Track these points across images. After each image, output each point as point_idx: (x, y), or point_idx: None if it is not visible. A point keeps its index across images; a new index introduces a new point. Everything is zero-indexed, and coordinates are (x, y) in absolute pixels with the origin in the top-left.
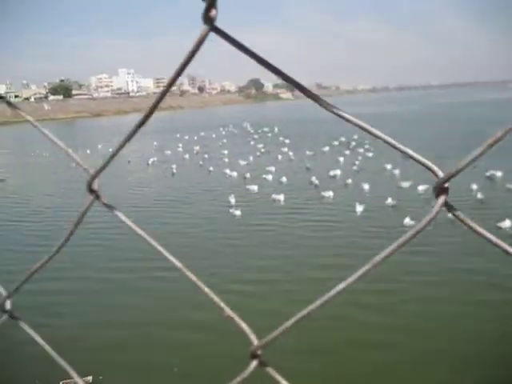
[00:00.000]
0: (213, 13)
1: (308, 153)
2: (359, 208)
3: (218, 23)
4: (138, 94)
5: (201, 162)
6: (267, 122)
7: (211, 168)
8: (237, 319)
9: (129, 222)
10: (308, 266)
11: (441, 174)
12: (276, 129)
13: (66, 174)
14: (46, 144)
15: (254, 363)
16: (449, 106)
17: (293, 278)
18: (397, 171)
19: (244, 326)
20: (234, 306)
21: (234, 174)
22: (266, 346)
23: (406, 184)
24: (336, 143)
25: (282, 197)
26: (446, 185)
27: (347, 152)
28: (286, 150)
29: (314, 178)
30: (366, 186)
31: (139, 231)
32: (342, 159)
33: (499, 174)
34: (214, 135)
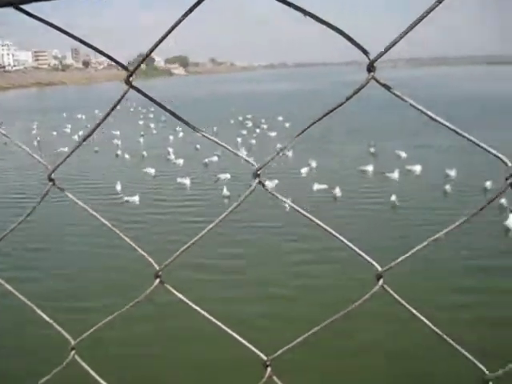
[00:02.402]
0: (131, 79)
1: (200, 133)
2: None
3: None
4: (14, 69)
5: (96, 148)
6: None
7: (96, 148)
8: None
9: (76, 200)
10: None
11: (256, 165)
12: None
13: None
14: None
15: (157, 281)
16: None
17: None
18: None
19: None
20: None
21: (127, 156)
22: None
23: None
24: (232, 122)
25: (187, 181)
26: (259, 172)
27: (244, 132)
28: (178, 129)
29: (206, 160)
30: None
31: (84, 206)
32: (239, 139)
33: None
34: (100, 114)
